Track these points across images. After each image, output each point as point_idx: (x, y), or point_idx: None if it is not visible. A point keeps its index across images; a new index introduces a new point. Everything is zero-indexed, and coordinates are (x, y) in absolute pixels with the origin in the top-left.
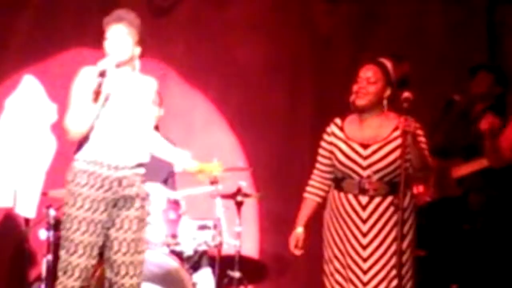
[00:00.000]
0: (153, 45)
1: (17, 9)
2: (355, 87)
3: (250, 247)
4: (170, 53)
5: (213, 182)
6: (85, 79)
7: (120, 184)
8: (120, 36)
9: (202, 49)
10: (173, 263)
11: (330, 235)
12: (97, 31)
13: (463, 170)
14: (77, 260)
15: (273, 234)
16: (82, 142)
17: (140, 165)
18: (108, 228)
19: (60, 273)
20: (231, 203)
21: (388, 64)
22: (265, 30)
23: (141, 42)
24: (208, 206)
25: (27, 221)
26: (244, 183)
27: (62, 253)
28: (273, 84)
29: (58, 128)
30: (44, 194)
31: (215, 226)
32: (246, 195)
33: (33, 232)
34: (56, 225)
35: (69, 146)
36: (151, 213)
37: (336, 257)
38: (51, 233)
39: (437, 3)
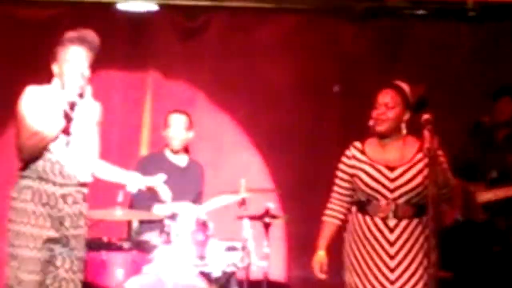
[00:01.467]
0: (181, 67)
1: (46, 31)
2: (374, 113)
3: (277, 269)
4: (198, 75)
5: (241, 203)
6: (33, 99)
7: (65, 201)
8: (81, 61)
9: (229, 71)
10: (201, 284)
11: (354, 259)
12: (125, 53)
13: (489, 196)
14: (28, 277)
15: (300, 256)
16: (28, 159)
17: (83, 184)
18: (55, 243)
19: None
20: (259, 224)
21: (406, 87)
22: (292, 52)
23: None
24: (236, 227)
25: None
26: (272, 204)
27: (12, 271)
28: (301, 106)
29: None
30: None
31: (243, 248)
32: (273, 217)
33: None
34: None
35: None
36: (179, 234)
37: (361, 281)
38: None
39: (463, 26)
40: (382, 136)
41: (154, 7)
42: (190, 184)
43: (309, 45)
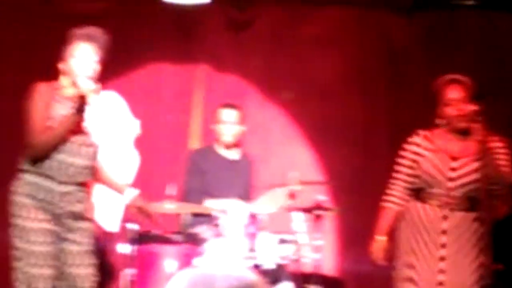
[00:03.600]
0: (231, 60)
1: (94, 25)
2: (451, 111)
3: (328, 262)
4: (248, 68)
5: (292, 196)
6: (42, 96)
7: (64, 199)
8: (89, 57)
9: (280, 63)
10: (252, 277)
11: (407, 246)
12: (175, 46)
13: None
14: (34, 270)
15: (351, 248)
16: (38, 157)
17: (84, 183)
18: (62, 241)
19: (23, 287)
20: (310, 217)
21: (467, 79)
22: (341, 44)
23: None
24: (288, 220)
25: (108, 235)
26: (323, 197)
27: (19, 265)
28: (350, 98)
29: (141, 143)
30: (127, 208)
31: (295, 241)
32: (325, 209)
33: (115, 246)
34: (137, 239)
35: (151, 161)
36: (231, 227)
37: (411, 268)
38: (132, 247)
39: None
40: (462, 132)
41: (204, 0)
42: (241, 178)
43: (359, 37)
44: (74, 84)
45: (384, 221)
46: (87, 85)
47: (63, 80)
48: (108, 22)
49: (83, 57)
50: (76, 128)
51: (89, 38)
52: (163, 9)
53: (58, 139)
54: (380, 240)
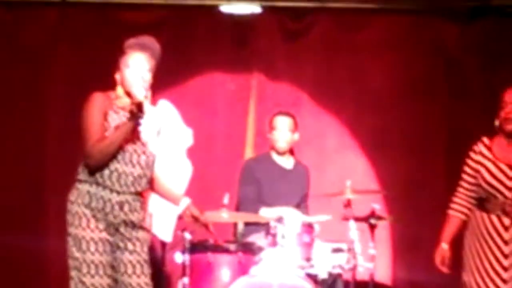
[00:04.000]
0: (285, 68)
1: (150, 35)
2: (502, 113)
3: (382, 271)
4: (302, 77)
5: (346, 205)
6: (99, 105)
7: (121, 208)
8: (141, 66)
9: (334, 72)
10: (307, 286)
11: (471, 256)
12: (228, 54)
13: None
14: (91, 280)
15: (406, 258)
16: (95, 166)
17: (140, 192)
18: (116, 249)
19: None
20: (364, 226)
21: None
22: (397, 53)
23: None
24: (342, 229)
25: (163, 244)
26: (377, 205)
27: (74, 274)
28: (406, 107)
29: (195, 152)
30: (180, 217)
31: (349, 249)
32: (379, 218)
33: (169, 255)
34: (191, 249)
35: (206, 170)
36: (285, 236)
37: (474, 278)
38: (187, 256)
39: None
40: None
41: (257, 9)
42: (296, 186)
43: (413, 46)
44: (128, 93)
45: (449, 228)
46: (142, 94)
47: (119, 90)
48: (163, 31)
49: (137, 66)
50: (132, 137)
51: (142, 48)
52: (217, 18)
53: (113, 149)
54: (442, 248)
